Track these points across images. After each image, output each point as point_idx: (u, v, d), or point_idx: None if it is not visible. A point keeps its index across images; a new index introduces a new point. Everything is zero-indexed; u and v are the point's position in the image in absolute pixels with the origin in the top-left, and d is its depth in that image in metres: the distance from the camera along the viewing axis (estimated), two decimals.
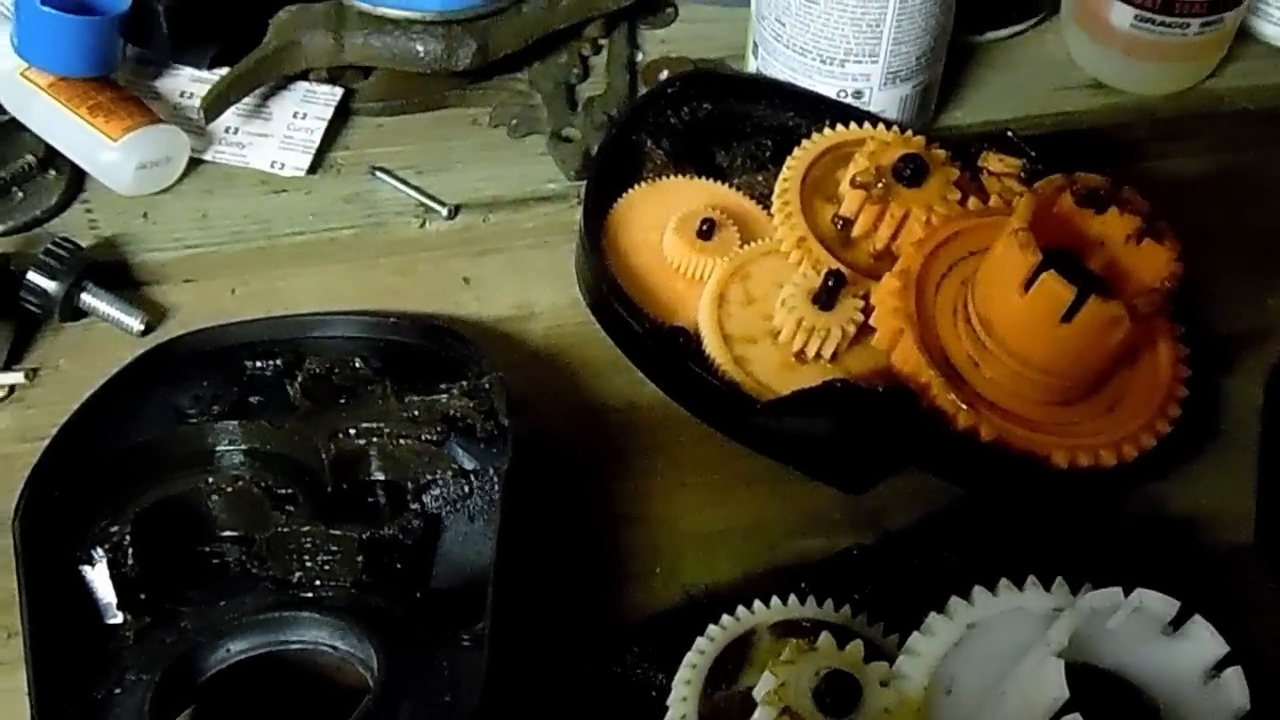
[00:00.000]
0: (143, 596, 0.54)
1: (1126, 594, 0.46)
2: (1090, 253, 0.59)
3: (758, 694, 0.47)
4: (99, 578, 0.54)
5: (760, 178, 0.70)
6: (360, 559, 0.55)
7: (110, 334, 0.68)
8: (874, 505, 0.61)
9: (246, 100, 0.78)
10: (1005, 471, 0.59)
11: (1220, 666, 0.47)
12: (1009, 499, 0.59)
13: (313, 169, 0.77)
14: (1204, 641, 0.47)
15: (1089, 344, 0.57)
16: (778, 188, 0.67)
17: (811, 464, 0.61)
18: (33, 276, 0.66)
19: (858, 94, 0.74)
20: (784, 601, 0.52)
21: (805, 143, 0.68)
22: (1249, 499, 0.61)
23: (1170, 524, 0.61)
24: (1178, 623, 0.47)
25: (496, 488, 0.56)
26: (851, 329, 0.61)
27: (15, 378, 0.66)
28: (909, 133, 0.68)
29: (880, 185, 0.64)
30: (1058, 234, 0.58)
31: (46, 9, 0.71)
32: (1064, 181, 0.59)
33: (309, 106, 0.79)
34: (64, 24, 0.71)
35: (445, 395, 0.59)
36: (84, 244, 0.70)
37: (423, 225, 0.74)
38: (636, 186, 0.69)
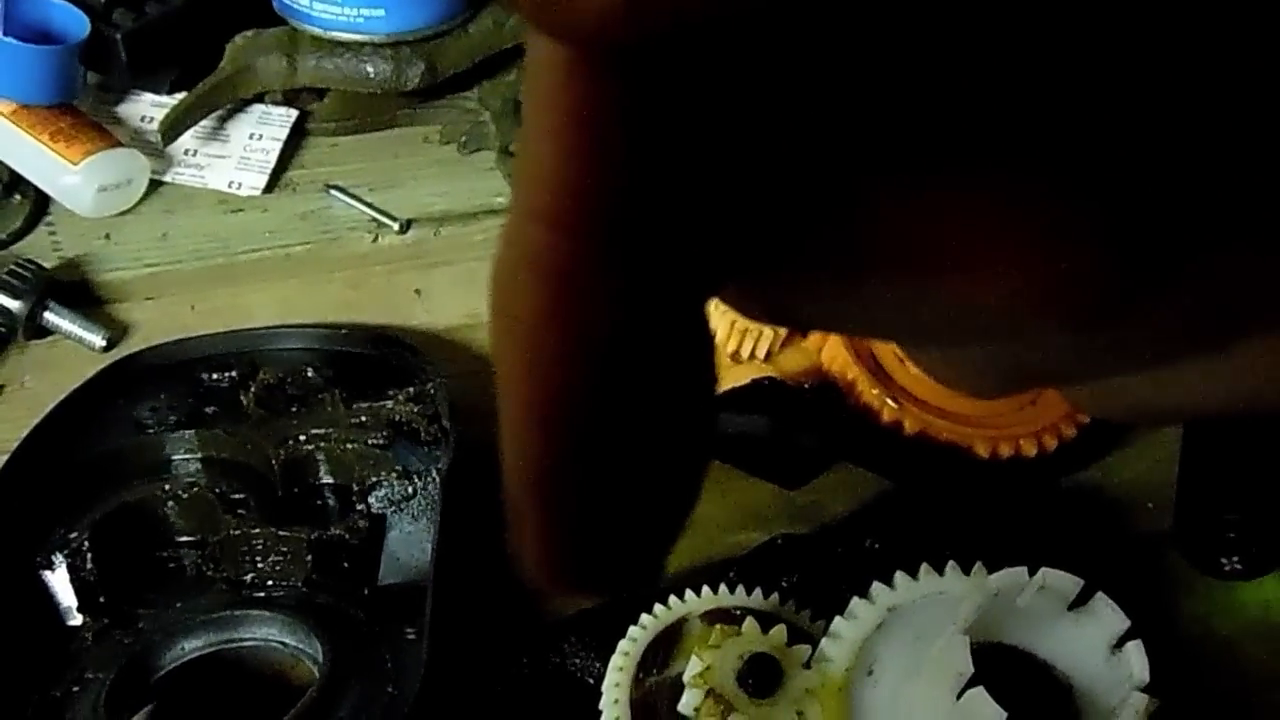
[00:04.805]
0: (101, 599, 0.56)
1: (1032, 574, 0.49)
2: None
3: (685, 677, 0.49)
4: (59, 582, 0.56)
5: None
6: (309, 559, 0.57)
7: (74, 351, 0.69)
8: (810, 500, 0.63)
9: (204, 123, 0.80)
10: (930, 463, 0.61)
11: (1122, 641, 0.49)
12: (935, 489, 0.61)
13: (269, 188, 0.79)
14: (1106, 617, 0.49)
15: None
16: None
17: (748, 461, 0.63)
18: None
19: None
20: (714, 591, 0.54)
21: None
22: (1170, 486, 0.63)
23: (1092, 510, 0.63)
24: (1082, 600, 0.49)
25: (438, 488, 0.58)
26: (783, 329, 0.63)
27: None
28: None
29: None
30: None
31: (7, 39, 0.73)
32: None
33: (265, 128, 0.81)
34: (24, 53, 0.73)
35: (391, 401, 0.61)
36: (48, 265, 0.72)
37: (375, 240, 0.76)
38: None
